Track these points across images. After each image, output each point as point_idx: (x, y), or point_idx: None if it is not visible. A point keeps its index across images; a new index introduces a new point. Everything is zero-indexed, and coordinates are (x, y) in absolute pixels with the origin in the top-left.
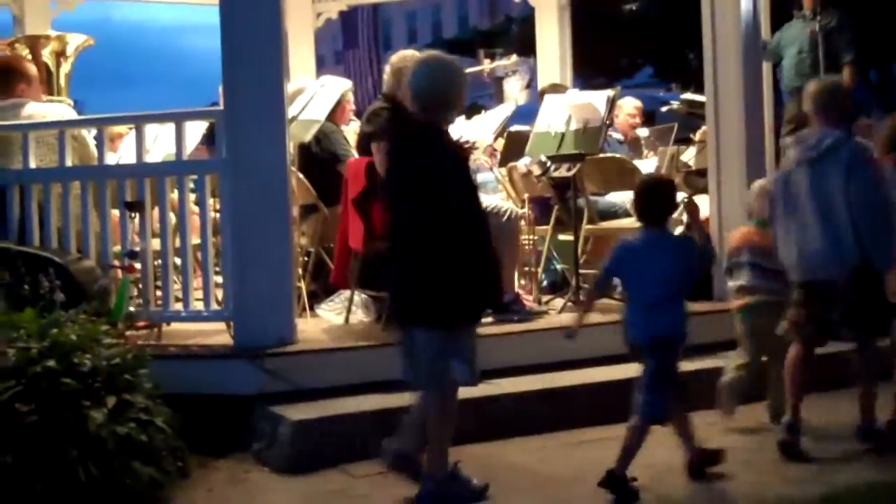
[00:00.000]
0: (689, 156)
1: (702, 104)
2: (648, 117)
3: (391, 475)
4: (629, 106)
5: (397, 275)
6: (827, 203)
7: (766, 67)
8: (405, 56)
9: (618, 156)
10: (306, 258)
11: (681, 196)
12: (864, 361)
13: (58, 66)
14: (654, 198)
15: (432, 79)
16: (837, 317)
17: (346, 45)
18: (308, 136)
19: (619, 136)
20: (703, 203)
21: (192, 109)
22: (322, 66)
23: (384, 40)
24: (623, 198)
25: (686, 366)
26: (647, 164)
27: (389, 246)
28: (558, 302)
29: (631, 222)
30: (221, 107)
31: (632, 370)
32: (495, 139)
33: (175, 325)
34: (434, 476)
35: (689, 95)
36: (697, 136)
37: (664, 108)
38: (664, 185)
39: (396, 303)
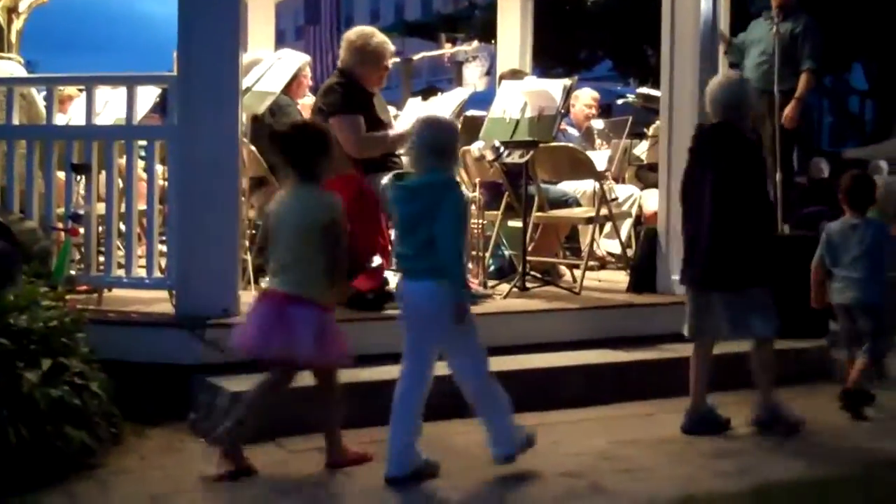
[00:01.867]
0: (641, 149)
1: (657, 99)
2: (605, 110)
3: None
4: (586, 97)
5: (701, 247)
6: None
7: (723, 66)
8: (364, 33)
9: (571, 145)
10: (254, 231)
11: (632, 190)
12: None
13: (9, 22)
14: (864, 190)
15: (732, 93)
16: None
17: (307, 20)
18: (262, 108)
19: (573, 129)
20: (653, 197)
21: (145, 74)
22: (282, 41)
23: (346, 19)
24: (574, 187)
25: (628, 356)
26: (600, 156)
27: (691, 227)
28: (504, 287)
29: (581, 212)
30: (175, 73)
31: (566, 359)
32: None
33: (116, 292)
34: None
35: (645, 90)
36: (651, 131)
37: (620, 101)
38: (869, 180)
39: (699, 271)
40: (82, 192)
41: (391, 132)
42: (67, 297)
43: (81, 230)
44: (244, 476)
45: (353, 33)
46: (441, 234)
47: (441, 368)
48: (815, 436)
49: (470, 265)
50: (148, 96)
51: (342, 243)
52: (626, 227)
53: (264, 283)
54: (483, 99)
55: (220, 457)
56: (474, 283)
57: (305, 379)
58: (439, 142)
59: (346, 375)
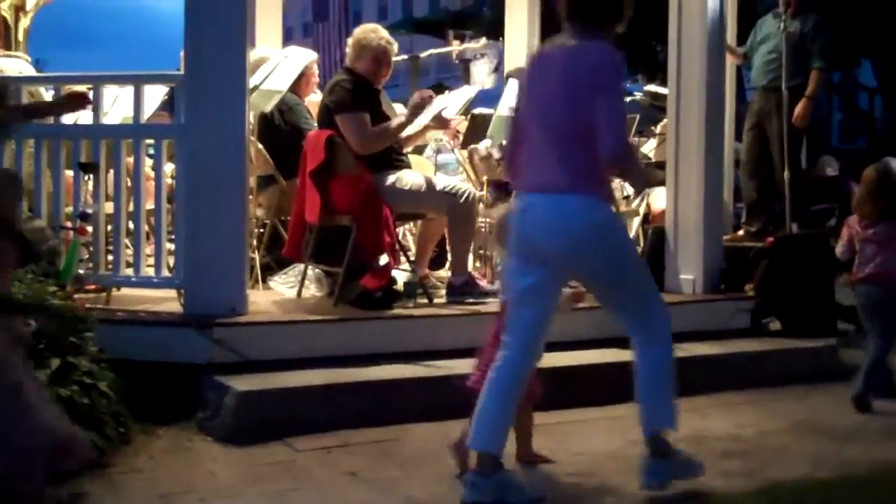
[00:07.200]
0: (649, 147)
1: (665, 97)
2: None
3: (334, 451)
4: None
5: None
6: None
7: (730, 64)
8: (368, 30)
9: None
10: (262, 230)
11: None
12: None
13: (16, 20)
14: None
15: None
16: None
17: (315, 17)
18: (269, 107)
19: None
20: (661, 195)
21: (152, 73)
22: (290, 38)
23: (354, 16)
24: None
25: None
26: None
27: None
28: None
29: None
30: (182, 72)
31: (575, 358)
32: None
33: (125, 291)
34: None
35: (652, 87)
36: (658, 129)
37: (628, 99)
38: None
39: None
40: (90, 190)
41: (392, 122)
42: (76, 296)
43: (90, 229)
44: None
45: (359, 31)
46: None
47: (444, 369)
48: (823, 437)
49: (478, 264)
50: (156, 94)
51: None
52: (634, 225)
53: (272, 281)
54: (491, 96)
55: None
56: (483, 282)
57: (310, 379)
58: None
59: (355, 374)
